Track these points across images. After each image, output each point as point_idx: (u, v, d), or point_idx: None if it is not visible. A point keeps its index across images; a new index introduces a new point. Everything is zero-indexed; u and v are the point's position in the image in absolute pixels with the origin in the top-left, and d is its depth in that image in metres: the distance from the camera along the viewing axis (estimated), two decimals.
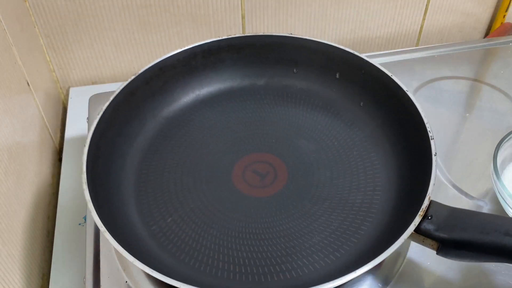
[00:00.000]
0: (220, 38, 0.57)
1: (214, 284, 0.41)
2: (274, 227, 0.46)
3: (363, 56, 0.54)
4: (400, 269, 0.44)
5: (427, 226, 0.38)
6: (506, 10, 0.80)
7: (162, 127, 0.55)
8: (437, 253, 0.39)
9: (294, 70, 0.59)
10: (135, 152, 0.52)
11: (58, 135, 0.68)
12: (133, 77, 0.52)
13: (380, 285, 0.43)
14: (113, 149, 0.50)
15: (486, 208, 0.51)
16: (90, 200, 0.41)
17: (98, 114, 0.48)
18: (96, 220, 0.39)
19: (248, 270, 0.42)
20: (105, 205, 0.43)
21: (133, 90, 0.52)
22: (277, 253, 0.43)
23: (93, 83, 0.74)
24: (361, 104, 0.55)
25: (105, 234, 0.38)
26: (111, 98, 0.49)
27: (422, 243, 0.40)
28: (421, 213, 0.39)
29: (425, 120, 0.46)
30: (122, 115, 0.51)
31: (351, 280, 0.42)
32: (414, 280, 0.44)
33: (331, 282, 0.35)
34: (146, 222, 0.46)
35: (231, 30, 0.57)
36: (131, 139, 0.52)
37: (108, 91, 0.52)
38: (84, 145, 0.45)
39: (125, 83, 0.51)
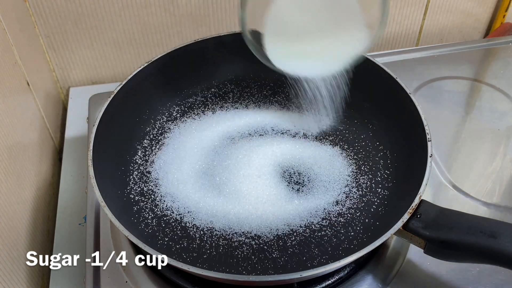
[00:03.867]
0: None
1: (204, 264, 0.41)
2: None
3: (371, 58, 0.51)
4: (400, 269, 0.43)
5: (415, 223, 0.38)
6: (506, 10, 0.77)
7: (173, 114, 0.55)
8: (424, 252, 0.38)
9: None
10: (144, 136, 0.52)
11: (58, 135, 0.65)
12: (145, 65, 0.51)
13: (380, 285, 0.42)
14: (122, 133, 0.49)
15: (485, 208, 0.49)
16: (94, 176, 0.40)
17: (109, 98, 0.47)
18: (97, 194, 0.39)
19: (240, 254, 0.42)
20: (108, 184, 0.43)
21: (144, 78, 0.52)
22: (269, 242, 0.43)
23: (93, 83, 0.71)
24: (366, 105, 0.54)
25: (104, 208, 0.38)
26: (115, 92, 0.48)
27: (410, 240, 0.39)
28: (410, 210, 0.38)
29: (425, 123, 0.45)
30: (132, 101, 0.51)
31: (351, 280, 0.42)
32: (414, 280, 0.43)
33: (312, 270, 0.35)
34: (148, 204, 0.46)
35: (231, 30, 0.56)
36: (142, 124, 0.53)
37: (108, 91, 0.50)
38: (93, 125, 0.45)
39: (130, 76, 0.50)
